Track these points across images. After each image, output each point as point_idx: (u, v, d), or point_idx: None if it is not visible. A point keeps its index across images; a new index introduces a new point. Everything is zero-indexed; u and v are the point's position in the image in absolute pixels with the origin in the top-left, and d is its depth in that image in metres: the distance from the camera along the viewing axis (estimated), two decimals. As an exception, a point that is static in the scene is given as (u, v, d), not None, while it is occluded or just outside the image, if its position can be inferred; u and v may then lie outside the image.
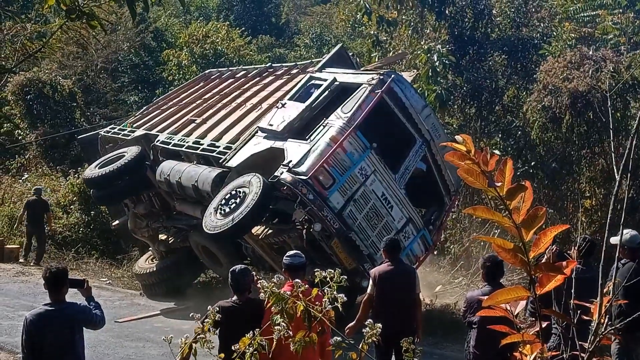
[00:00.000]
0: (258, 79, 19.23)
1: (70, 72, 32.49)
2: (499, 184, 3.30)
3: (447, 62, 20.78)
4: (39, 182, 25.83)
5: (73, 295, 8.22)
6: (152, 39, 37.08)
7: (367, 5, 23.48)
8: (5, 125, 30.58)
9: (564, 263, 3.52)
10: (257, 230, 15.07)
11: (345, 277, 5.51)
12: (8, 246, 22.58)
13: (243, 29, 39.29)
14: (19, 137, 29.05)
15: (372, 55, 23.47)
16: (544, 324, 3.60)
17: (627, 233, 9.84)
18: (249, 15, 45.00)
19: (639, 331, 9.40)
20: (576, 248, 8.95)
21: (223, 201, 14.38)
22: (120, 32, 34.26)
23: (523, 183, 3.33)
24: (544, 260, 9.53)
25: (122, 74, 35.62)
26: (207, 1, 48.33)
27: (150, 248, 19.20)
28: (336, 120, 14.57)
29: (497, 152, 20.33)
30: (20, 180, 26.87)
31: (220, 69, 23.02)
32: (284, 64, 21.34)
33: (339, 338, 4.98)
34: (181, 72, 33.00)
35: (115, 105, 33.04)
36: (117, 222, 20.26)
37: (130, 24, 32.01)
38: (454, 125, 21.43)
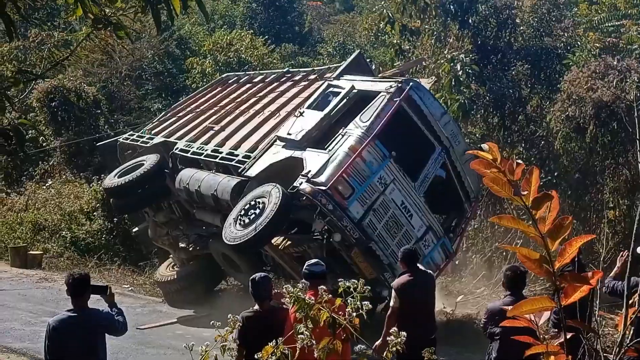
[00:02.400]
0: (276, 84, 19.18)
1: (95, 80, 32.64)
2: (525, 193, 3.29)
3: (470, 71, 20.72)
4: (62, 188, 25.96)
5: (95, 302, 8.23)
6: (176, 47, 37.19)
7: (390, 15, 23.46)
8: (29, 132, 30.77)
9: (590, 273, 3.49)
10: (276, 240, 15.00)
11: (369, 287, 5.51)
12: (31, 252, 22.68)
13: (267, 37, 39.27)
14: (43, 144, 29.16)
15: (394, 64, 23.40)
16: (569, 335, 3.57)
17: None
18: (272, 24, 45.00)
19: None
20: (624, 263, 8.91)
21: (242, 212, 14.35)
22: (144, 40, 34.37)
23: (549, 193, 3.31)
24: (618, 265, 9.43)
25: (146, 81, 35.74)
26: (231, 9, 48.40)
27: (171, 255, 19.18)
28: (355, 130, 14.52)
29: (520, 161, 20.23)
30: (44, 187, 26.98)
31: (237, 73, 22.97)
32: (301, 69, 21.32)
33: (363, 346, 4.97)
34: (205, 80, 33.05)
35: (139, 112, 33.09)
36: (137, 228, 20.29)
37: (155, 32, 32.16)
38: (477, 135, 21.34)
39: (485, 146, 3.32)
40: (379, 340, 9.83)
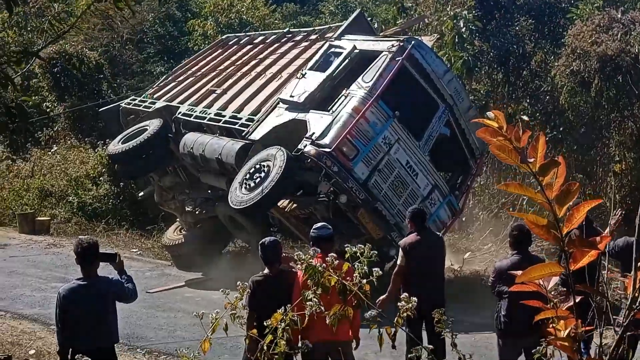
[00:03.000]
0: (277, 45, 19.02)
1: (97, 44, 32.49)
2: (532, 160, 3.28)
3: (473, 28, 20.57)
4: (67, 154, 25.95)
5: (104, 268, 8.27)
6: (177, 9, 36.92)
7: (392, -28, 23.26)
8: (33, 98, 30.74)
9: (598, 238, 3.49)
10: (283, 202, 15.03)
11: (376, 252, 5.52)
12: (39, 218, 22.78)
13: (270, -1, 39.07)
14: (47, 110, 29.11)
15: (397, 22, 23.24)
16: (578, 299, 3.57)
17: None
18: (273, -15, 44.75)
19: None
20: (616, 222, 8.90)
21: (247, 175, 14.38)
22: (144, 3, 34.15)
23: (556, 159, 3.30)
24: (610, 223, 9.43)
25: (147, 44, 35.56)
26: (231, -30, 48.07)
27: (178, 219, 19.23)
28: (357, 90, 14.49)
29: (525, 117, 20.17)
30: (50, 153, 26.98)
31: (237, 35, 22.79)
32: (302, 30, 21.16)
33: (373, 312, 4.98)
34: (206, 42, 32.86)
35: (141, 76, 32.98)
36: (142, 193, 20.31)
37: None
38: (482, 92, 21.28)
39: (490, 114, 3.32)
40: (384, 295, 9.91)
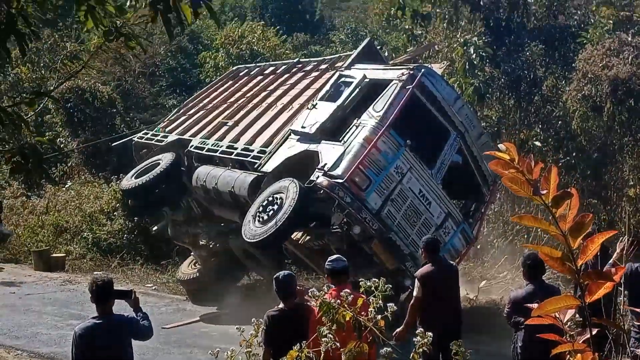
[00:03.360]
0: (287, 76, 19.04)
1: (109, 78, 32.71)
2: (545, 192, 3.28)
3: (483, 54, 20.64)
4: (82, 190, 26.02)
5: (120, 304, 8.25)
6: (188, 42, 37.24)
7: (401, 0, 23.36)
8: (47, 134, 30.87)
9: (613, 270, 3.47)
10: (296, 234, 14.99)
11: (390, 286, 5.49)
12: (54, 255, 22.82)
13: (278, 27, 39.27)
14: (61, 145, 29.26)
15: (407, 50, 23.31)
16: (594, 331, 3.55)
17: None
18: (283, 13, 45.08)
19: None
20: (623, 248, 8.85)
21: (261, 208, 14.35)
22: (156, 37, 34.39)
23: (569, 190, 3.30)
24: (617, 252, 9.28)
25: (159, 78, 35.84)
26: (241, 1, 48.41)
27: (192, 253, 19.20)
28: (369, 120, 14.47)
29: (537, 143, 20.15)
30: (64, 188, 27.07)
31: (248, 66, 22.83)
32: (312, 59, 21.17)
33: (389, 349, 4.96)
34: (218, 74, 33.01)
35: (154, 109, 33.15)
36: (156, 227, 20.31)
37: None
38: (493, 118, 21.28)
39: (502, 146, 3.33)
40: (400, 328, 9.87)
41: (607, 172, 19.32)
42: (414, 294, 10.45)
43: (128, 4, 5.11)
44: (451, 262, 12.15)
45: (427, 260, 10.64)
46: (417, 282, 10.47)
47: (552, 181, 3.29)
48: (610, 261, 10.03)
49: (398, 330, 9.62)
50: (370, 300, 5.36)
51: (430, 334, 5.10)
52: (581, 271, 3.33)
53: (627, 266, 9.70)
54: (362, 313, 5.32)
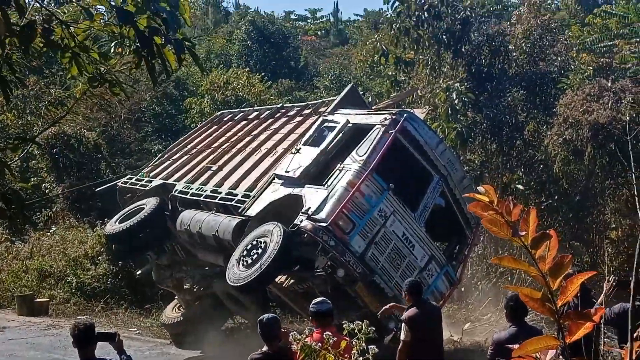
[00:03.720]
0: (271, 120, 19.12)
1: (95, 124, 32.73)
2: (524, 233, 3.35)
3: (466, 99, 20.83)
4: (66, 234, 25.94)
5: (103, 347, 8.23)
6: (174, 88, 37.33)
7: (384, 48, 23.62)
8: (32, 180, 30.81)
9: (593, 310, 3.54)
10: (280, 278, 14.98)
11: (374, 328, 5.53)
12: (38, 299, 22.66)
13: (263, 74, 39.47)
14: (46, 190, 29.21)
15: (391, 95, 23.50)
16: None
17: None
18: (268, 60, 45.30)
19: None
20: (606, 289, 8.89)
21: (245, 252, 14.32)
22: (142, 83, 34.48)
23: (548, 232, 3.38)
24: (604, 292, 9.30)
25: (145, 123, 35.87)
26: (226, 48, 48.68)
27: (176, 297, 19.13)
28: (352, 164, 14.51)
29: (520, 186, 20.26)
30: (49, 233, 26.95)
31: (232, 111, 22.95)
32: (295, 105, 21.25)
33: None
34: (203, 119, 33.06)
35: (139, 154, 33.13)
36: (140, 271, 20.23)
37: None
38: (476, 162, 21.41)
39: (481, 189, 3.40)
40: None
41: (589, 215, 19.42)
42: (402, 337, 10.44)
43: (112, 50, 5.20)
44: (435, 304, 12.17)
45: (411, 304, 10.67)
46: (404, 326, 10.47)
47: (531, 223, 3.36)
48: (599, 300, 10.06)
49: None
50: (354, 342, 5.39)
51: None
52: (562, 312, 3.40)
53: (619, 306, 9.74)
54: (345, 356, 5.35)
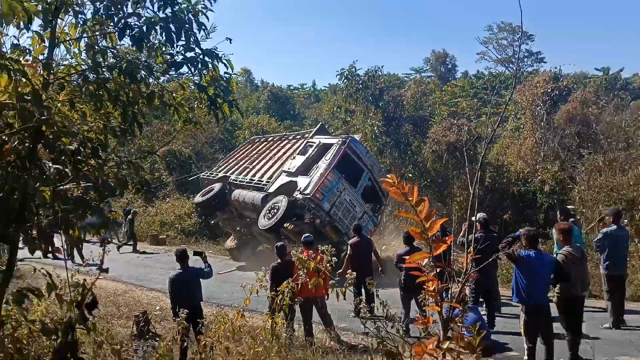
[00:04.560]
0: (279, 142, 18.86)
1: (188, 145, 32.35)
2: (411, 198, 3.30)
3: (381, 130, 20.77)
4: (175, 203, 25.67)
5: (196, 262, 8.13)
6: (230, 125, 36.94)
7: (339, 103, 23.52)
8: (156, 174, 30.47)
9: (447, 238, 3.49)
10: (286, 224, 14.95)
11: (335, 249, 5.43)
12: (160, 236, 22.52)
13: (276, 117, 39.31)
14: (162, 179, 29.02)
15: (342, 128, 23.45)
16: (439, 270, 3.55)
17: (480, 214, 9.78)
18: (278, 110, 45.05)
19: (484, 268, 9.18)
20: (476, 221, 8.84)
21: (267, 211, 14.28)
22: (212, 123, 34.09)
23: (424, 198, 3.33)
24: (463, 229, 9.12)
25: (214, 144, 35.52)
26: (256, 103, 48.36)
27: (232, 234, 19.00)
28: (322, 164, 14.50)
29: (410, 175, 20.22)
30: (166, 202, 26.76)
31: (259, 136, 22.69)
32: (292, 133, 21.03)
33: (333, 281, 4.94)
34: (244, 141, 32.88)
35: (211, 160, 32.79)
36: (212, 221, 20.06)
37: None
38: (387, 162, 21.36)
39: (389, 176, 3.39)
40: (340, 270, 9.83)
41: (445, 189, 19.46)
42: (348, 253, 10.41)
43: (196, 106, 5.05)
44: (367, 236, 12.16)
45: (354, 236, 10.63)
46: (349, 248, 10.45)
47: (415, 193, 3.33)
48: (460, 235, 9.87)
49: (338, 271, 9.54)
50: (324, 256, 5.36)
51: (354, 273, 5.09)
52: (432, 239, 3.35)
53: (471, 236, 9.62)
54: (320, 263, 5.33)
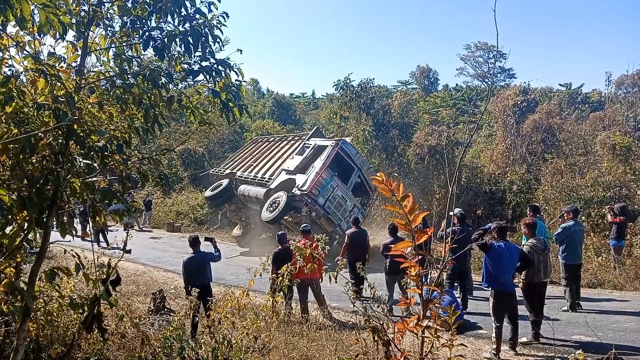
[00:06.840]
0: (279, 142, 18.77)
1: (201, 144, 32.29)
2: (397, 194, 3.30)
3: (371, 134, 20.71)
4: (190, 195, 25.62)
5: (207, 247, 8.11)
6: (239, 128, 36.79)
7: (335, 110, 23.44)
8: (172, 169, 30.34)
9: (428, 230, 3.48)
10: (286, 216, 14.92)
11: (329, 238, 5.42)
12: (176, 224, 22.42)
13: (279, 122, 39.16)
14: (178, 174, 28.91)
15: (337, 132, 23.37)
16: (421, 257, 3.55)
17: (456, 209, 9.79)
18: (281, 115, 44.87)
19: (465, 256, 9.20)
20: (454, 216, 8.84)
21: (269, 205, 14.25)
22: (224, 125, 33.95)
23: (408, 194, 3.32)
24: (443, 224, 8.98)
25: (224, 143, 35.43)
26: (262, 108, 48.20)
27: (238, 224, 18.94)
28: (318, 163, 14.48)
29: (395, 174, 20.21)
30: (182, 194, 26.64)
31: (262, 136, 22.59)
32: (291, 134, 21.05)
33: (326, 267, 4.95)
34: (250, 139, 32.75)
35: (221, 158, 32.70)
36: (221, 212, 20.01)
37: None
38: (376, 163, 21.32)
39: (378, 174, 3.38)
40: (338, 257, 9.81)
41: (427, 186, 19.43)
42: (346, 242, 10.35)
43: (210, 108, 5.03)
44: (362, 227, 12.17)
45: (352, 226, 10.60)
46: (346, 237, 10.42)
47: (401, 190, 3.32)
48: (440, 229, 9.90)
49: (337, 257, 9.50)
50: (319, 244, 5.36)
51: (345, 259, 5.09)
52: (415, 230, 3.35)
53: (449, 230, 9.49)
54: (315, 251, 5.33)
